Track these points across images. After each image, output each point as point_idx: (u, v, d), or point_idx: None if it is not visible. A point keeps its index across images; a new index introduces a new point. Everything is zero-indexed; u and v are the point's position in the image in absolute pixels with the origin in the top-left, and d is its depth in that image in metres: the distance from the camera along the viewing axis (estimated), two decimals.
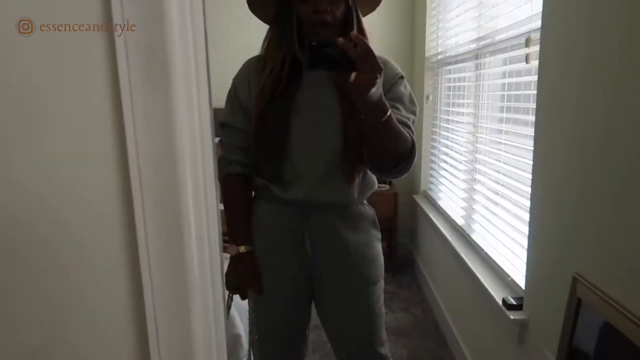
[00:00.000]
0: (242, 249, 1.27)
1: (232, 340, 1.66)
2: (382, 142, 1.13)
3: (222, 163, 1.31)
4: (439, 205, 2.90)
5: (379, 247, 1.36)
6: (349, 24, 1.19)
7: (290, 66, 1.20)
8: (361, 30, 1.22)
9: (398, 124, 1.11)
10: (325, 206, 1.26)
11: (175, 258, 0.50)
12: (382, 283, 1.38)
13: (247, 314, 1.75)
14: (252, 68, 1.27)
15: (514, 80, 1.87)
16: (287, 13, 1.20)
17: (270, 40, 1.24)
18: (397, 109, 1.20)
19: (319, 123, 1.21)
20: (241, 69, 1.30)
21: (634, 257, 1.03)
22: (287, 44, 1.20)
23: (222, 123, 1.30)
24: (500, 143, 1.98)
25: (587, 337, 1.19)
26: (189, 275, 0.50)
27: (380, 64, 0.97)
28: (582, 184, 1.22)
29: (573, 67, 1.25)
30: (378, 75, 0.96)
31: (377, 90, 0.98)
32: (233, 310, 1.70)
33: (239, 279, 1.28)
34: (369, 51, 0.95)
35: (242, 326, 1.70)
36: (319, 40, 0.98)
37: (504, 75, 2.00)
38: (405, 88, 1.26)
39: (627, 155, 1.03)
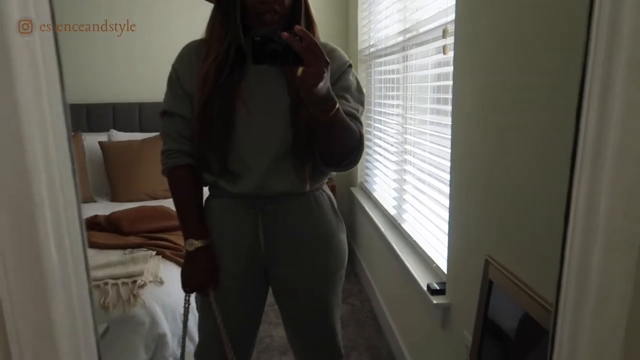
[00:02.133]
0: (199, 243, 1.22)
1: (157, 340, 1.61)
2: (329, 136, 1.11)
3: (165, 156, 1.25)
4: (374, 197, 2.94)
5: (340, 235, 1.32)
6: (297, 11, 1.15)
7: (235, 54, 1.14)
8: (309, 18, 1.17)
9: (346, 116, 1.09)
10: (277, 198, 1.22)
11: (30, 249, 0.47)
12: (341, 273, 1.35)
13: (175, 312, 1.71)
14: (194, 53, 1.20)
15: (435, 71, 1.91)
16: None
17: (214, 26, 1.16)
18: (346, 99, 1.19)
19: (266, 112, 1.17)
20: (181, 53, 1.23)
21: (533, 241, 1.07)
22: (232, 32, 1.13)
23: (164, 111, 1.23)
24: (426, 133, 2.03)
25: (498, 318, 1.23)
26: (46, 265, 0.47)
27: (327, 57, 0.94)
28: (490, 169, 1.27)
29: (481, 59, 1.29)
30: (325, 69, 0.94)
31: (324, 84, 0.96)
32: (157, 309, 1.65)
33: (199, 274, 1.23)
34: (314, 45, 0.92)
35: (167, 325, 1.65)
36: (262, 35, 0.95)
37: (428, 66, 2.04)
38: (353, 77, 1.24)
39: (527, 145, 1.08)
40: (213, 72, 1.13)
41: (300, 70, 0.94)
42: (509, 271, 1.16)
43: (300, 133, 1.16)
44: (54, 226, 0.47)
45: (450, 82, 1.52)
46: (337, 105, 1.03)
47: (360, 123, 1.20)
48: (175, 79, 1.21)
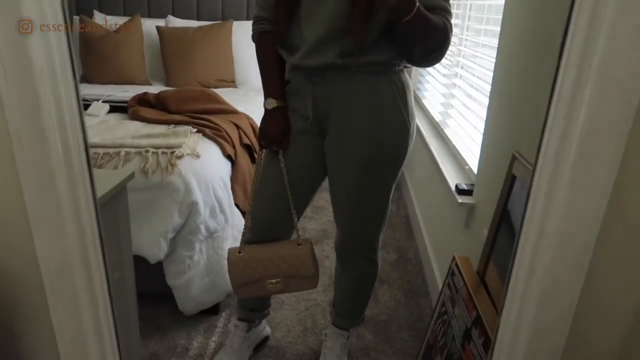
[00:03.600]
0: (276, 102, 1.31)
1: (189, 207, 1.72)
2: (409, 36, 1.10)
3: (254, 22, 1.34)
4: (423, 104, 2.86)
5: (396, 122, 1.26)
6: None
7: None
8: None
9: (429, 14, 1.05)
10: (324, 70, 1.22)
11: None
12: (390, 164, 1.31)
13: (208, 183, 1.81)
14: None
15: None
16: None
17: None
18: None
19: None
20: None
21: None
22: None
23: None
24: (479, 50, 1.91)
25: (515, 212, 1.21)
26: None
27: None
28: (526, 72, 1.19)
29: None
30: None
31: None
32: (192, 179, 1.74)
33: (274, 131, 1.31)
34: None
35: (200, 195, 1.75)
36: None
37: None
38: None
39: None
40: None
41: None
42: (531, 164, 1.12)
43: (355, 12, 1.12)
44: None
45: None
46: (416, 7, 0.99)
47: (449, 13, 1.14)
48: None
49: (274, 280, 1.39)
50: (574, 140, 0.62)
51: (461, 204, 1.59)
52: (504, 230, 1.26)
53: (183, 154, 1.79)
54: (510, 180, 1.23)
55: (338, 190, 1.37)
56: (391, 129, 1.26)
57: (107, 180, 1.09)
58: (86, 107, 2.29)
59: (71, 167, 0.73)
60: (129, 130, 1.96)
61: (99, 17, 3.32)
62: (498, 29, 1.46)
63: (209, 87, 2.96)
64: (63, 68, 0.68)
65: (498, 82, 1.45)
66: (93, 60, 3.10)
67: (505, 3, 1.42)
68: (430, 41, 1.11)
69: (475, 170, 1.68)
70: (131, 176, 1.18)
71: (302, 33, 1.22)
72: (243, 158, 2.11)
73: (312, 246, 1.42)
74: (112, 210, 1.13)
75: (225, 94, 2.51)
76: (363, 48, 1.16)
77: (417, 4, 1.00)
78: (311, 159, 1.35)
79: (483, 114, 1.71)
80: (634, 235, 0.72)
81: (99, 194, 1.00)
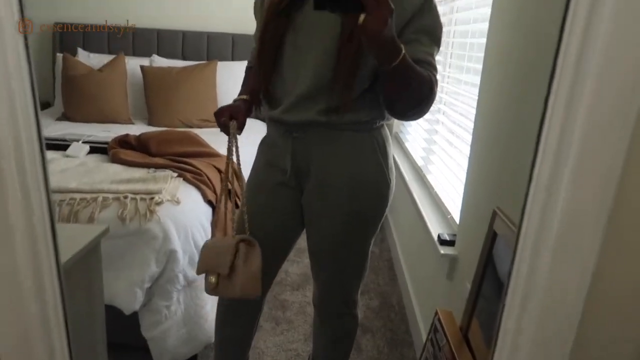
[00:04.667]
0: (241, 96, 1.34)
1: (167, 255, 1.68)
2: (393, 85, 1.07)
3: (246, 68, 1.46)
4: (405, 147, 2.88)
5: (377, 180, 1.24)
6: None
7: None
8: None
9: (415, 65, 1.04)
10: (306, 126, 1.20)
11: None
12: (369, 222, 1.29)
13: (187, 231, 1.77)
14: None
15: (475, 27, 1.80)
16: None
17: None
18: (420, 42, 1.11)
19: (313, 43, 1.15)
20: None
21: None
22: None
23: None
24: (459, 94, 1.94)
25: (498, 269, 1.20)
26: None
27: (391, 4, 0.89)
28: (510, 124, 1.20)
29: (519, 16, 1.20)
30: (388, 16, 0.89)
31: (387, 32, 0.91)
32: (171, 226, 1.70)
33: (227, 107, 1.30)
34: None
35: (179, 242, 1.71)
36: None
37: (469, 21, 1.93)
38: (430, 14, 1.12)
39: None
40: (273, 12, 1.18)
41: (362, 17, 0.88)
42: (514, 223, 1.12)
43: (341, 69, 1.12)
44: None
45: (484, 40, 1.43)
46: (401, 55, 0.98)
47: (435, 69, 1.12)
48: (256, 4, 1.31)
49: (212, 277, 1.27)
50: (558, 207, 0.61)
51: (443, 255, 1.58)
52: (487, 285, 1.25)
53: (162, 200, 1.76)
54: (492, 237, 1.23)
55: (316, 245, 1.34)
56: (371, 185, 1.25)
57: (79, 235, 1.06)
58: (65, 147, 2.26)
59: (32, 226, 0.70)
60: (108, 174, 1.93)
61: (82, 55, 3.32)
62: (480, 66, 1.47)
63: (192, 127, 2.95)
64: (23, 100, 0.64)
65: (478, 134, 1.46)
66: (75, 98, 3.07)
67: (487, 42, 1.42)
68: (416, 92, 1.09)
69: (457, 220, 1.68)
70: (106, 231, 1.14)
71: (285, 87, 1.21)
72: (224, 203, 2.08)
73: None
74: (83, 265, 1.09)
75: (208, 135, 2.50)
76: (346, 106, 1.15)
77: (404, 50, 0.99)
78: (289, 211, 1.32)
79: (464, 162, 1.72)
80: (617, 312, 0.72)
81: (70, 251, 0.96)
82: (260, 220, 1.31)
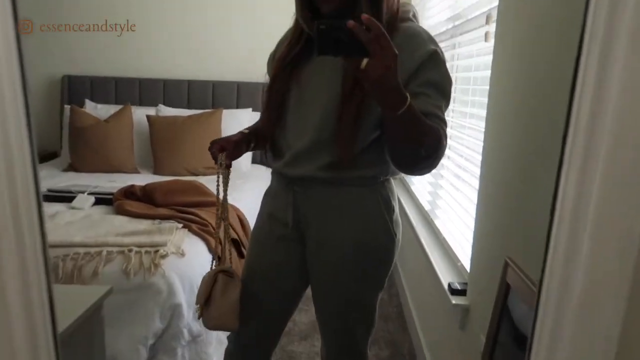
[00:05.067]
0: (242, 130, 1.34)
1: (172, 310, 1.64)
2: (398, 137, 1.03)
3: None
4: (412, 191, 2.87)
5: (380, 238, 1.21)
6: None
7: (305, 40, 1.16)
8: (377, 4, 1.08)
9: (422, 115, 0.99)
10: (308, 180, 1.19)
11: None
12: (373, 280, 1.26)
13: (193, 284, 1.74)
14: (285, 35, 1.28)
15: (479, 60, 1.81)
16: None
17: (296, 11, 1.18)
18: (426, 95, 1.07)
19: (315, 98, 1.15)
20: (282, 37, 1.31)
21: None
22: (302, 18, 1.14)
23: None
24: (465, 127, 1.94)
25: (514, 323, 1.16)
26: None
27: (395, 50, 0.87)
28: (520, 169, 1.18)
29: (522, 50, 1.21)
30: (392, 62, 0.87)
31: (391, 78, 0.89)
32: (176, 280, 1.67)
33: (217, 139, 1.29)
34: (382, 35, 0.85)
35: (184, 296, 1.67)
36: (328, 23, 0.88)
37: (472, 55, 1.95)
38: (437, 67, 1.09)
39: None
40: (283, 55, 1.19)
41: (364, 62, 0.87)
42: (527, 275, 1.09)
43: (341, 127, 1.11)
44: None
45: (489, 72, 1.44)
46: (407, 103, 0.94)
47: (444, 122, 1.08)
48: (269, 57, 1.32)
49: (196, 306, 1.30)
50: (579, 272, 0.58)
51: (455, 305, 1.53)
52: (502, 339, 1.20)
53: (167, 253, 1.74)
54: (505, 289, 1.19)
55: (321, 302, 1.30)
56: (376, 243, 1.22)
57: (81, 297, 1.03)
58: (71, 199, 2.26)
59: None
60: (113, 226, 1.92)
61: (90, 106, 3.38)
62: (485, 99, 1.45)
63: (198, 175, 2.96)
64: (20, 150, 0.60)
65: (486, 181, 1.44)
66: (81, 149, 3.11)
67: (490, 84, 1.42)
68: (423, 144, 1.03)
69: (467, 267, 1.64)
70: (109, 292, 1.12)
71: (288, 141, 1.21)
72: (230, 253, 2.05)
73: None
74: (85, 328, 1.06)
75: (214, 182, 2.49)
76: (347, 163, 1.13)
77: (409, 98, 0.95)
78: (293, 267, 1.29)
79: (471, 208, 1.70)
80: None
81: (72, 316, 0.94)
82: (263, 278, 1.29)
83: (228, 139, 1.29)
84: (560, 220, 0.51)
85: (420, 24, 1.21)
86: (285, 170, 1.21)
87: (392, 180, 1.27)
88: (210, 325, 1.25)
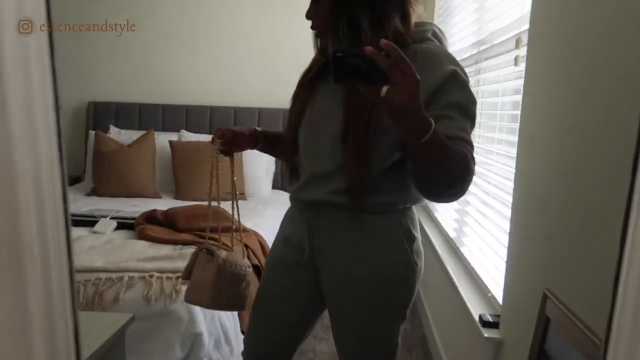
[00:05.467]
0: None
1: (193, 339, 1.60)
2: (425, 164, 0.97)
3: None
4: (435, 217, 2.81)
5: (397, 270, 1.15)
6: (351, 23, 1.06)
7: (320, 67, 1.17)
8: (379, 24, 1.05)
9: (447, 140, 0.94)
10: (320, 204, 1.16)
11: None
12: (391, 311, 1.20)
13: (214, 312, 1.70)
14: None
15: (507, 84, 1.78)
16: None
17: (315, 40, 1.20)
18: (450, 118, 1.01)
19: (326, 120, 1.12)
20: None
21: (596, 277, 0.93)
22: (318, 46, 1.17)
23: None
24: (493, 152, 1.89)
25: (555, 355, 1.09)
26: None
27: (417, 75, 0.83)
28: (556, 195, 1.13)
29: (555, 72, 1.17)
30: (414, 87, 0.83)
31: (413, 104, 0.84)
32: (197, 308, 1.64)
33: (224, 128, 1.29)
34: (402, 60, 0.81)
35: (205, 324, 1.63)
36: (344, 50, 0.84)
37: (499, 80, 1.92)
38: (458, 86, 1.04)
39: (599, 172, 0.94)
40: (302, 77, 1.21)
41: (384, 89, 0.83)
42: (569, 308, 1.02)
43: (348, 148, 1.07)
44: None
45: (520, 97, 1.40)
46: (432, 129, 0.89)
47: (471, 145, 1.02)
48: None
49: None
50: None
51: (487, 338, 1.46)
52: None
53: None
54: (544, 322, 1.12)
55: (339, 330, 1.24)
56: (396, 275, 1.16)
57: (102, 325, 1.00)
58: (93, 223, 2.26)
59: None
60: (135, 252, 1.90)
61: (114, 132, 3.42)
62: (513, 124, 1.41)
63: (218, 200, 2.94)
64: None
65: (519, 206, 1.39)
66: (105, 173, 3.13)
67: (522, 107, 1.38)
68: (450, 170, 0.98)
69: (499, 299, 1.57)
70: (131, 321, 1.09)
71: (303, 164, 1.19)
72: (252, 280, 2.02)
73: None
74: (106, 356, 1.02)
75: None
76: (360, 188, 1.08)
77: (434, 124, 0.90)
78: (307, 294, 1.25)
79: (502, 236, 1.64)
80: None
81: (92, 345, 0.91)
82: (276, 303, 1.26)
83: (234, 128, 1.29)
84: (628, 271, 0.46)
85: (446, 43, 1.18)
86: (299, 194, 1.19)
87: (413, 209, 1.21)
88: (186, 299, 1.30)
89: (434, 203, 2.95)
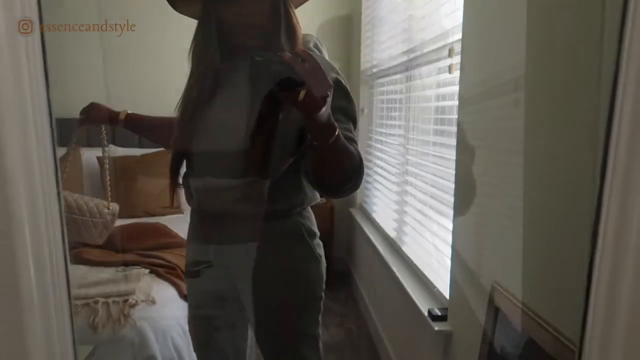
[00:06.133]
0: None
1: None
2: (330, 163, 1.04)
3: None
4: (373, 218, 2.89)
5: (303, 265, 1.24)
6: (275, 23, 1.09)
7: (213, 76, 1.12)
8: (291, 29, 1.11)
9: (345, 140, 1.02)
10: (223, 215, 1.17)
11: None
12: (317, 300, 1.27)
13: (166, 333, 1.65)
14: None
15: (439, 91, 1.89)
16: (210, 12, 1.10)
17: (196, 45, 1.14)
18: (339, 121, 1.06)
19: (219, 133, 1.13)
20: None
21: (546, 268, 1.03)
22: (212, 51, 1.10)
23: None
24: (429, 154, 1.99)
25: (505, 347, 1.18)
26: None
27: (330, 81, 0.88)
28: (495, 190, 1.23)
29: (487, 77, 1.27)
30: (329, 92, 0.88)
31: (326, 109, 0.90)
32: (148, 330, 1.59)
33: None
34: (318, 67, 0.86)
35: (157, 347, 1.59)
36: (263, 55, 0.87)
37: (431, 86, 2.02)
38: (341, 94, 1.13)
39: (541, 163, 1.04)
40: (189, 91, 1.15)
41: (302, 94, 0.86)
42: (516, 297, 1.11)
43: (254, 158, 1.08)
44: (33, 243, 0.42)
45: (456, 102, 1.49)
46: (337, 131, 0.97)
47: (356, 143, 1.12)
48: None
49: None
50: None
51: (438, 331, 1.54)
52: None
53: (137, 301, 1.65)
54: (494, 313, 1.21)
55: (260, 333, 1.29)
56: (303, 264, 1.24)
57: None
58: None
59: None
60: (74, 278, 1.79)
61: None
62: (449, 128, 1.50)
63: (155, 215, 2.85)
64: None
65: (462, 201, 1.48)
66: None
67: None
68: (350, 166, 1.07)
69: (444, 293, 1.66)
70: (92, 353, 1.04)
71: (198, 174, 1.18)
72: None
73: None
74: None
75: (172, 222, 2.42)
76: (261, 195, 1.13)
77: (338, 127, 0.97)
78: (228, 298, 1.28)
79: (443, 233, 1.73)
80: None
81: None
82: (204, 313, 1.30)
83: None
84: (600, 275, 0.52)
85: (325, 54, 1.29)
86: (200, 206, 1.20)
87: (309, 209, 1.28)
88: None
89: (371, 204, 3.04)
